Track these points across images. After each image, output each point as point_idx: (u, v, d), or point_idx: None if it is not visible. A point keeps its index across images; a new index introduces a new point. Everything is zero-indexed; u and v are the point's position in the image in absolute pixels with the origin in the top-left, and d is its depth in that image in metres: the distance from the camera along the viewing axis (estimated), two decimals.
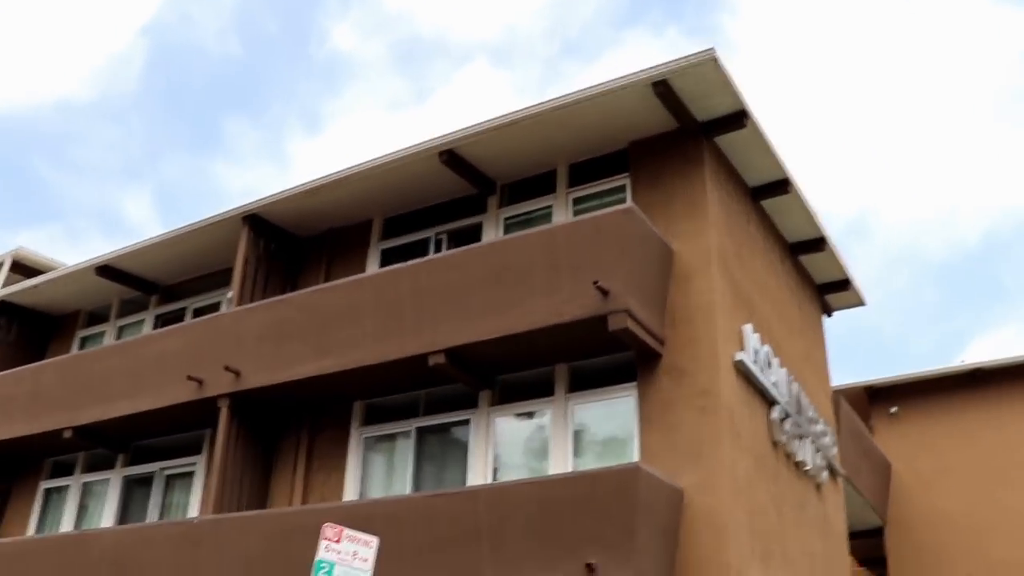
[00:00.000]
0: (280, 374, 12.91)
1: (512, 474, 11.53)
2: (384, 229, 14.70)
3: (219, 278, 16.57)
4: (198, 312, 16.70)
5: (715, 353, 10.73)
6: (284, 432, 13.81)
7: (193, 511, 14.42)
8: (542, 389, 11.88)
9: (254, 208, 14.62)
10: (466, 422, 12.27)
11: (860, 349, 49.88)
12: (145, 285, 17.41)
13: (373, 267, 14.38)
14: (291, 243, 15.29)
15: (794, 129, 54.06)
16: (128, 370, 14.83)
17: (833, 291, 16.51)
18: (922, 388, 19.90)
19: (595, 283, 10.30)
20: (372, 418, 13.24)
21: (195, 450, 15.07)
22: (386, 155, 13.28)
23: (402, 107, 62.86)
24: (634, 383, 11.13)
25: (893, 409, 19.93)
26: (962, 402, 19.63)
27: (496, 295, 11.25)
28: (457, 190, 13.83)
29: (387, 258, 14.43)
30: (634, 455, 10.70)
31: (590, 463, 11.08)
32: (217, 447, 13.23)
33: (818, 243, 15.00)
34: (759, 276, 13.04)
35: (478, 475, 11.73)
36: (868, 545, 19.44)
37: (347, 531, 7.44)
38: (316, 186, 13.92)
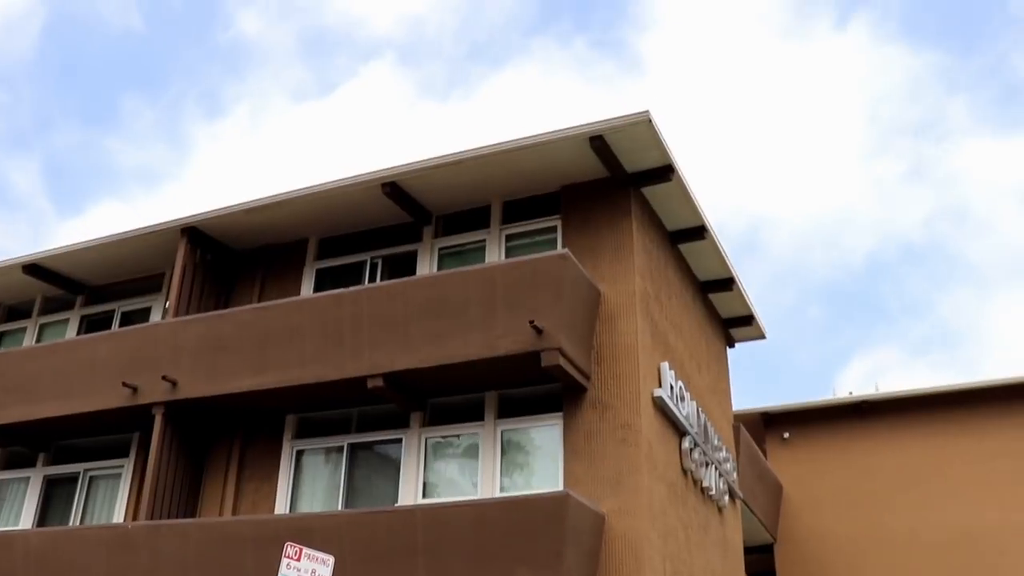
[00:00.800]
0: (217, 386, 13.63)
1: (441, 493, 12.54)
2: (319, 249, 15.53)
3: (148, 283, 17.16)
4: (126, 316, 17.20)
5: (636, 390, 11.95)
6: (216, 441, 14.52)
7: (118, 515, 14.96)
8: (472, 414, 12.93)
9: (194, 221, 15.26)
10: (398, 441, 13.21)
11: (750, 364, 52.35)
12: (71, 285, 17.78)
13: (307, 286, 15.19)
14: (227, 256, 15.97)
15: (691, 134, 56.28)
16: (58, 371, 15.25)
17: (737, 325, 18.02)
18: (813, 416, 21.64)
19: (531, 322, 11.39)
20: (304, 432, 14.07)
21: (122, 452, 15.59)
22: (328, 181, 14.15)
23: (306, 97, 62.93)
24: (560, 413, 12.27)
25: (786, 434, 21.60)
26: (848, 430, 21.42)
27: (434, 325, 12.24)
28: (394, 218, 14.77)
29: (321, 278, 15.27)
30: (558, 480, 11.83)
31: (516, 486, 12.17)
32: (151, 454, 13.85)
33: (727, 283, 16.43)
34: (675, 316, 14.34)
35: (409, 493, 12.69)
36: (759, 561, 21.04)
37: (306, 550, 8.32)
38: (257, 205, 14.68)
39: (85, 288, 17.93)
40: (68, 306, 18.16)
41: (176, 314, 14.78)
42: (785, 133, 59.28)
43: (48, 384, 15.29)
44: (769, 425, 21.95)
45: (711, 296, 16.83)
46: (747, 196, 60.43)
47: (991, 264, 56.86)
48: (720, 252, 15.46)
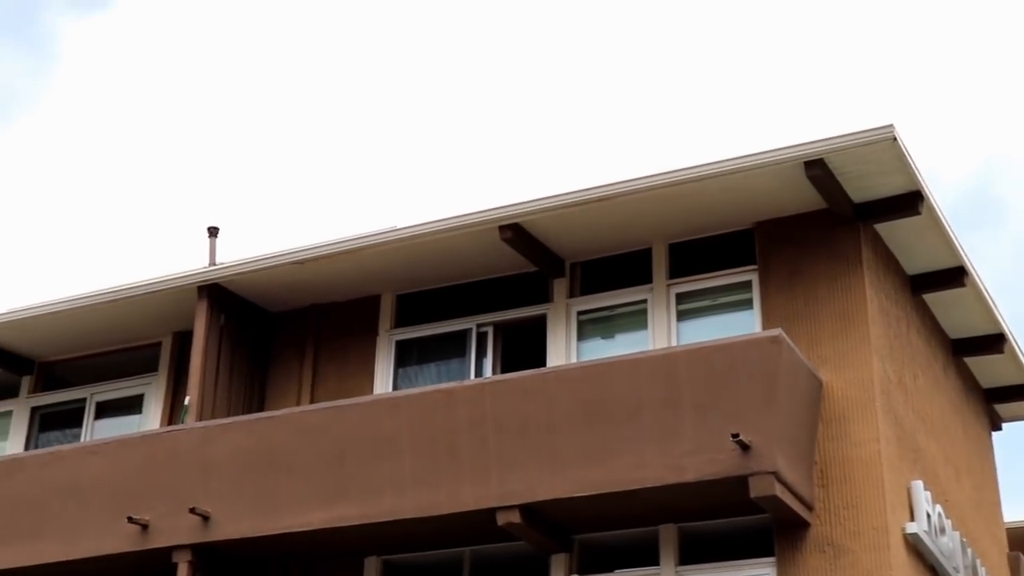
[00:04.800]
0: (269, 523, 15.96)
1: None
2: (399, 311, 17.97)
3: (136, 357, 19.69)
4: (105, 408, 19.68)
5: (882, 524, 14.20)
6: None
7: None
8: (641, 556, 15.26)
9: (217, 277, 17.76)
10: None
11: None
12: (11, 360, 20.27)
13: (384, 366, 17.62)
14: (259, 321, 18.46)
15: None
16: (18, 500, 17.58)
17: (1008, 399, 20.21)
18: None
19: (734, 435, 13.63)
20: None
21: None
22: (419, 225, 16.56)
23: None
24: (771, 558, 14.56)
25: None
26: None
27: (590, 436, 14.53)
28: (507, 266, 17.15)
29: (405, 354, 17.73)
30: None
31: None
32: None
33: (994, 341, 18.59)
34: (923, 402, 16.57)
35: None
36: None
37: None
38: (313, 255, 17.11)
39: (33, 365, 20.41)
40: (7, 392, 20.61)
41: (200, 413, 17.20)
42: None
43: (5, 518, 17.53)
44: None
45: (968, 360, 19.01)
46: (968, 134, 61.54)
47: None
48: (985, 299, 17.64)
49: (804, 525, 14.43)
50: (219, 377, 17.73)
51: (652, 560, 15.18)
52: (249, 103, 56.42)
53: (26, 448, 19.78)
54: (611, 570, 15.42)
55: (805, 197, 15.54)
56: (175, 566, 16.47)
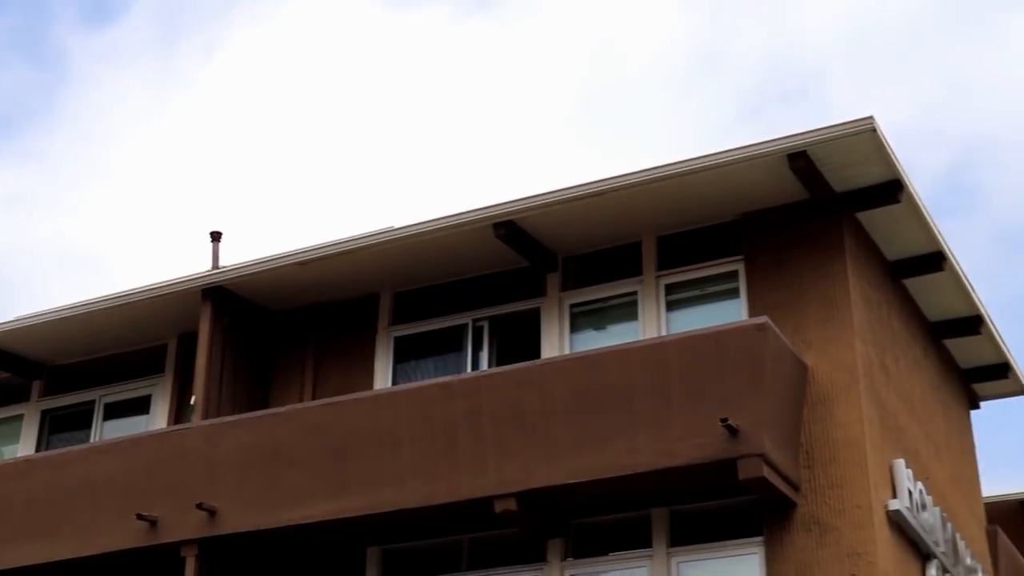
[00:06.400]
0: (274, 516, 16.16)
1: None
2: (396, 308, 18.19)
3: (142, 359, 19.92)
4: (114, 409, 19.90)
5: (866, 502, 14.40)
6: None
7: None
8: (634, 539, 15.50)
9: (222, 280, 18.00)
10: None
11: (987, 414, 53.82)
12: (22, 365, 20.52)
13: (383, 361, 17.83)
14: (263, 321, 18.69)
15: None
16: (34, 499, 17.84)
17: (985, 379, 20.44)
18: None
19: (723, 420, 13.83)
20: (395, 570, 16.72)
21: None
22: (415, 224, 16.80)
23: None
24: (759, 538, 14.77)
25: None
26: None
27: (584, 425, 14.73)
28: (501, 262, 17.36)
29: (403, 350, 17.92)
30: None
31: None
32: None
33: (972, 323, 18.79)
34: (904, 384, 16.77)
35: None
36: None
37: None
38: (315, 256, 17.34)
39: (43, 369, 20.66)
40: (18, 395, 20.91)
41: (206, 411, 17.40)
42: None
43: (22, 518, 17.83)
44: None
45: (947, 342, 19.21)
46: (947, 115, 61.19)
47: None
48: (963, 283, 17.84)
49: (791, 505, 14.62)
50: (224, 376, 17.97)
51: (645, 543, 15.41)
52: (248, 109, 56.81)
53: (37, 450, 20.02)
54: (605, 553, 15.66)
55: (789, 188, 15.75)
56: (184, 560, 16.65)
